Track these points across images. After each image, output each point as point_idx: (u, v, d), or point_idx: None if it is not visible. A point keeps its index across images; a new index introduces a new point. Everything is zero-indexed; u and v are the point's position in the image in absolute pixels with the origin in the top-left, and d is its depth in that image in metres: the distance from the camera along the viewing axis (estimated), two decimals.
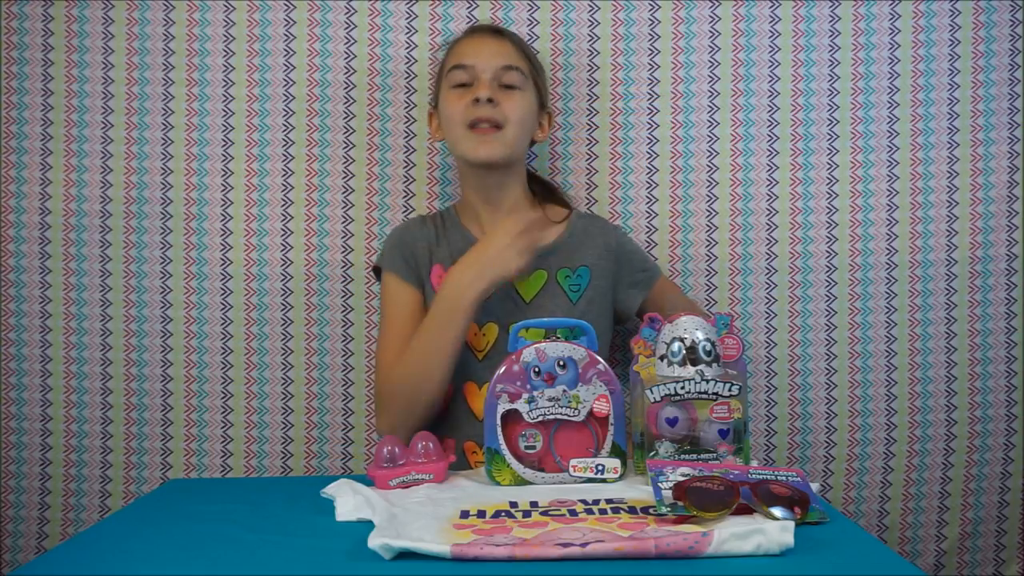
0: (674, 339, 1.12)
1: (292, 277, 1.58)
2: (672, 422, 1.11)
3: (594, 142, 1.60)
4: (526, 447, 1.14)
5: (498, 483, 1.13)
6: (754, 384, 1.60)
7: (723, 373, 1.12)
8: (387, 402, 1.35)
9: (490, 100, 1.37)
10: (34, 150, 1.57)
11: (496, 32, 1.45)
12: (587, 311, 1.40)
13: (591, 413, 1.13)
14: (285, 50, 1.58)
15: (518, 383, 1.14)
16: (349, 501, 1.03)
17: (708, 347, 1.12)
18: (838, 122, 1.60)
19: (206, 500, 1.13)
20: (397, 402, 1.34)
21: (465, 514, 0.98)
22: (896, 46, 1.60)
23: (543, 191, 1.53)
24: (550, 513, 0.99)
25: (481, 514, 0.99)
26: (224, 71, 1.58)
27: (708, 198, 1.60)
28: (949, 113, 1.61)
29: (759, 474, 1.01)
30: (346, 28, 1.59)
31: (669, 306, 1.40)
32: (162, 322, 1.57)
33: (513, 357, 1.15)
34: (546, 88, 1.50)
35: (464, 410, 1.38)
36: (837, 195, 1.60)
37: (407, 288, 1.43)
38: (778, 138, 1.60)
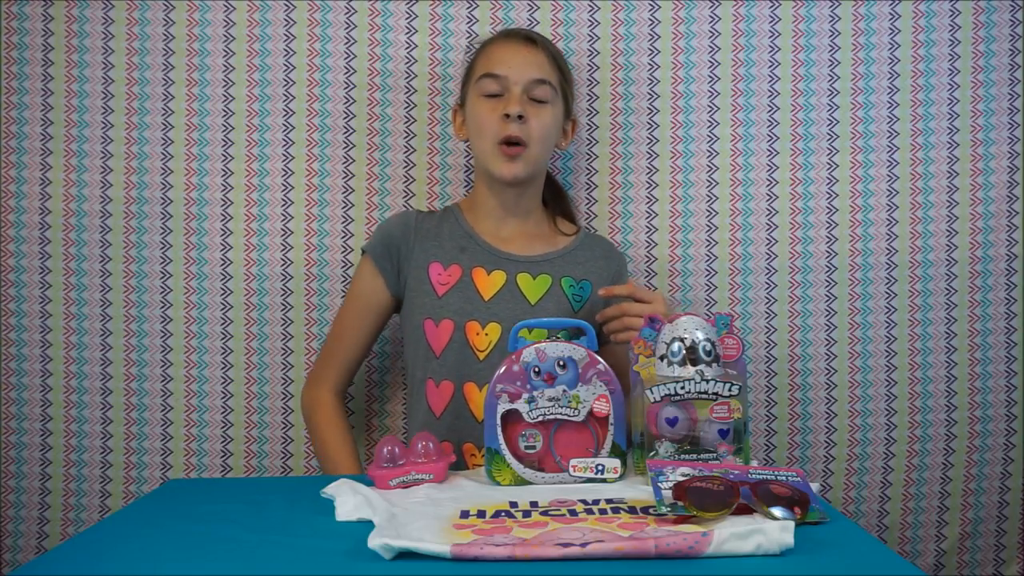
0: (674, 339, 1.12)
1: (292, 277, 1.58)
2: (672, 422, 1.11)
3: (594, 142, 1.60)
4: (526, 447, 1.14)
5: (498, 483, 1.13)
6: (754, 384, 1.60)
7: (723, 373, 1.12)
8: (302, 403, 1.51)
9: (520, 117, 1.37)
10: (34, 150, 1.57)
11: (530, 41, 1.43)
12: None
13: (591, 413, 1.13)
14: (285, 50, 1.58)
15: (518, 383, 1.13)
16: (349, 501, 1.02)
17: (708, 347, 1.12)
18: (838, 122, 1.60)
19: (206, 500, 1.13)
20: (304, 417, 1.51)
21: (465, 514, 0.98)
22: (896, 46, 1.60)
23: (555, 202, 1.54)
24: (550, 513, 0.99)
25: (481, 514, 0.99)
26: (224, 71, 1.58)
27: (708, 198, 1.60)
28: (949, 113, 1.61)
29: (759, 474, 1.01)
30: (346, 28, 1.59)
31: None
32: (162, 322, 1.57)
33: (513, 357, 1.15)
34: (573, 95, 1.50)
35: (464, 411, 1.38)
36: (837, 195, 1.60)
37: (378, 281, 1.45)
38: (778, 138, 1.60)
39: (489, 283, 1.41)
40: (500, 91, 1.40)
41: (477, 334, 1.39)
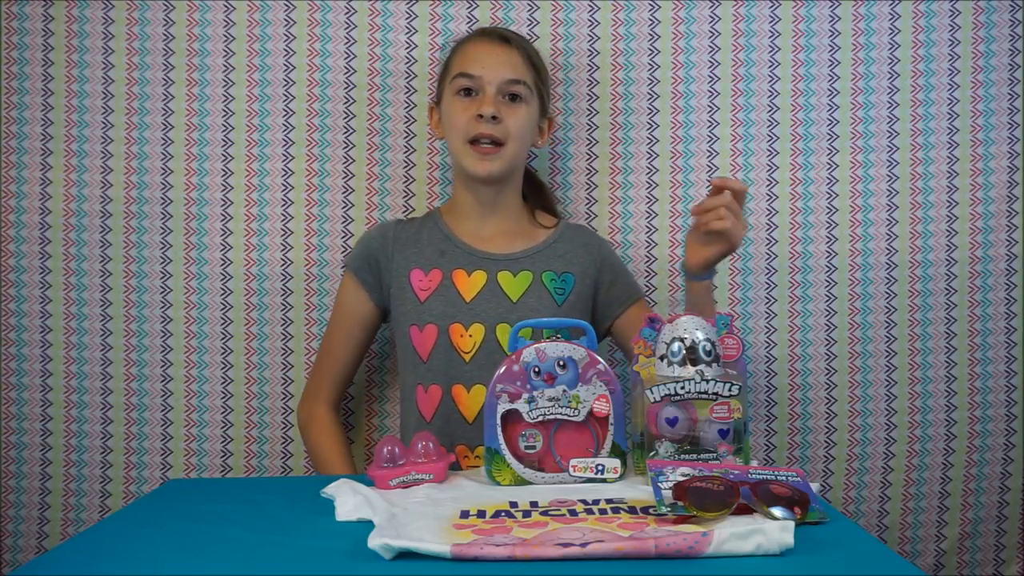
0: (674, 339, 1.12)
1: (292, 277, 1.58)
2: (672, 422, 1.11)
3: (594, 142, 1.60)
4: (526, 447, 1.14)
5: (498, 483, 1.13)
6: (754, 384, 1.60)
7: (723, 373, 1.12)
8: (298, 419, 1.52)
9: (494, 117, 1.38)
10: (34, 150, 1.57)
11: (504, 40, 1.44)
12: (571, 315, 1.41)
13: (591, 413, 1.13)
14: (285, 50, 1.58)
15: (518, 383, 1.13)
16: (349, 501, 1.03)
17: (708, 347, 1.12)
18: (838, 122, 1.60)
19: (206, 500, 1.13)
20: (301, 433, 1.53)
21: (465, 514, 0.98)
22: (896, 46, 1.60)
23: (535, 196, 1.54)
24: (550, 513, 0.99)
25: (481, 514, 0.99)
26: (224, 71, 1.58)
27: None
28: (949, 113, 1.61)
29: (759, 474, 1.01)
30: (346, 28, 1.59)
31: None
32: (162, 322, 1.57)
33: (513, 357, 1.14)
34: (549, 94, 1.50)
35: (453, 414, 1.38)
36: (837, 195, 1.60)
37: (361, 294, 1.47)
38: (778, 138, 1.60)
39: (470, 284, 1.42)
40: (475, 88, 1.40)
41: (461, 336, 1.39)
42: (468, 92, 1.41)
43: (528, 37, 1.57)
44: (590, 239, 1.50)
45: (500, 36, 1.45)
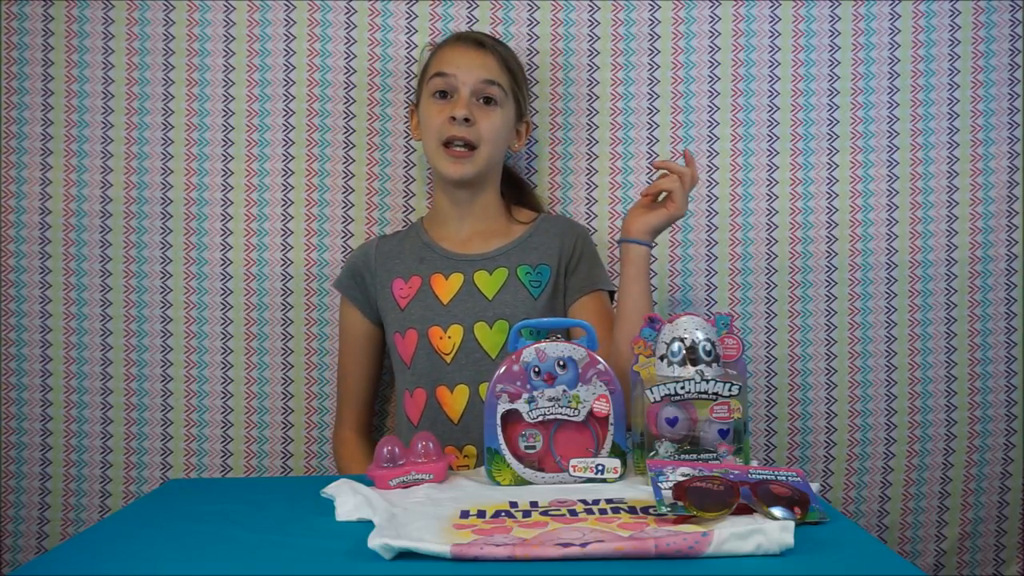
0: (674, 339, 1.12)
1: (292, 277, 1.58)
2: (672, 422, 1.11)
3: (594, 142, 1.60)
4: (526, 447, 1.14)
5: (498, 483, 1.13)
6: (754, 384, 1.60)
7: (723, 373, 1.12)
8: (333, 446, 1.54)
9: (467, 119, 1.38)
10: (34, 150, 1.57)
11: (480, 44, 1.45)
12: (549, 306, 1.42)
13: (591, 413, 1.13)
14: (285, 50, 1.58)
15: (518, 383, 1.13)
16: (349, 501, 1.03)
17: (708, 347, 1.12)
18: (838, 122, 1.60)
19: (206, 500, 1.13)
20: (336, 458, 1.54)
21: (465, 514, 0.98)
22: (896, 46, 1.60)
23: (513, 193, 1.54)
24: (550, 513, 0.99)
25: (481, 514, 0.99)
26: (224, 71, 1.58)
27: (708, 198, 1.60)
28: (949, 113, 1.61)
29: (759, 474, 1.01)
30: (346, 28, 1.59)
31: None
32: (162, 322, 1.57)
33: (513, 357, 1.14)
34: (526, 98, 1.51)
35: (439, 416, 1.39)
36: (837, 195, 1.60)
37: (355, 312, 1.49)
38: (778, 138, 1.60)
39: (447, 287, 1.43)
40: (449, 90, 1.41)
41: (440, 338, 1.40)
42: (443, 95, 1.42)
43: (528, 38, 1.57)
44: (565, 227, 1.49)
45: (475, 40, 1.46)
